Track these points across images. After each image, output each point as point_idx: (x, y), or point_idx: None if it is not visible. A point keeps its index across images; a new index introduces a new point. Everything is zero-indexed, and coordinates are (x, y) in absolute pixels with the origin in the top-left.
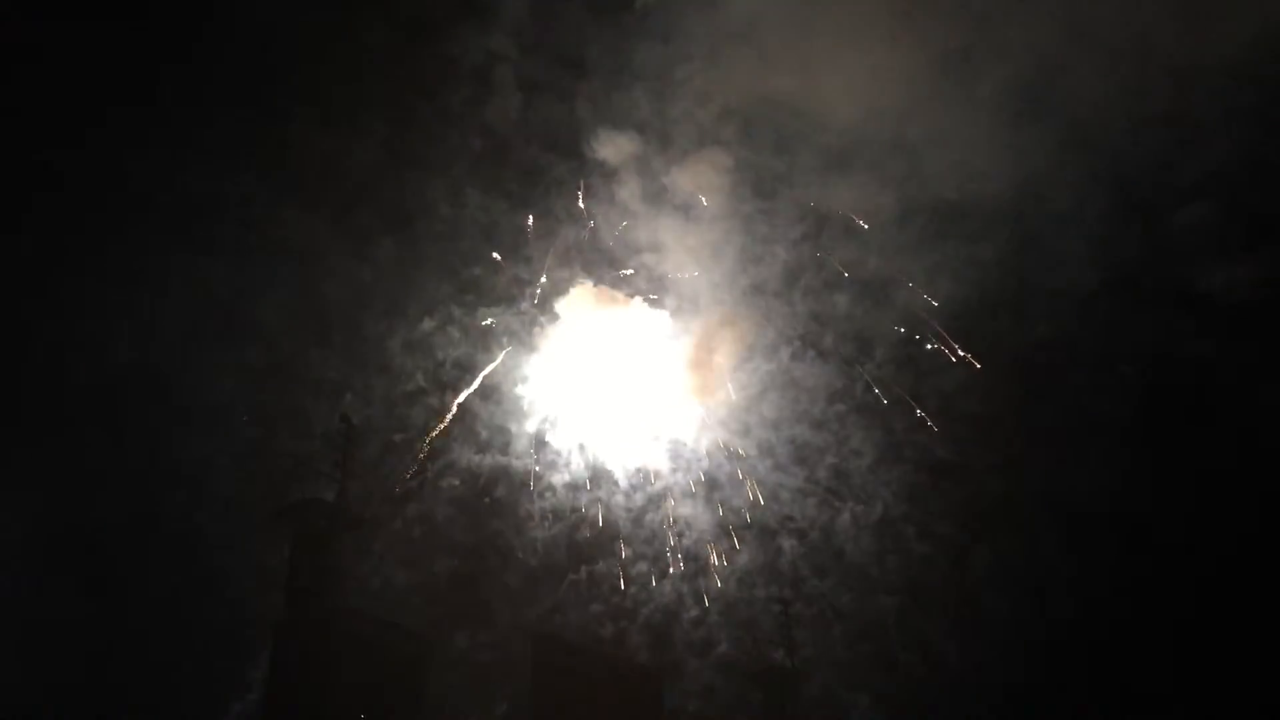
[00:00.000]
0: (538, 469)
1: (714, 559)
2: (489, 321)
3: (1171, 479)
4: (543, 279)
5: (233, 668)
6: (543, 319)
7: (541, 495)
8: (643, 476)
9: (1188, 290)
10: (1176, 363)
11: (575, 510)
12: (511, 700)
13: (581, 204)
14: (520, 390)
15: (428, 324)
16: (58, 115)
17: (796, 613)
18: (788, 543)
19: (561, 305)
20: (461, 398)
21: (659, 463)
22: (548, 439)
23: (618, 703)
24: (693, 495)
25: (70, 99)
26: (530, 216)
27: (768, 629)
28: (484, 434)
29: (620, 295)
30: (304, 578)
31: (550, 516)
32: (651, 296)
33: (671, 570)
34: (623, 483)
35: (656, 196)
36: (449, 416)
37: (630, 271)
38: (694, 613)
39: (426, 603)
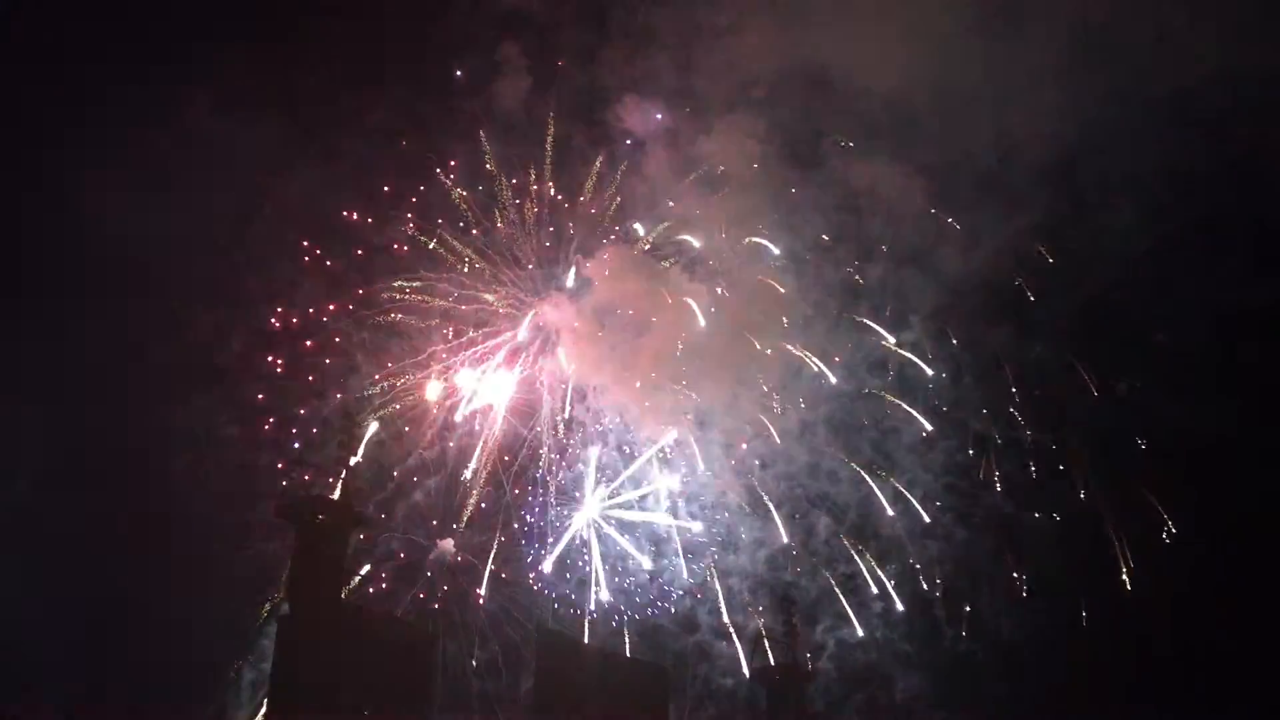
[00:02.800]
0: (562, 442)
1: (744, 537)
2: (510, 291)
3: (1237, 439)
4: (571, 248)
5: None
6: (568, 290)
7: (571, 467)
8: (673, 451)
9: (1249, 244)
10: (1240, 318)
11: (600, 484)
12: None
13: (601, 170)
14: (544, 362)
15: (445, 290)
16: (71, 58)
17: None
18: (823, 520)
19: (587, 275)
20: (481, 369)
21: (688, 437)
22: (573, 412)
23: (623, 700)
24: (725, 471)
25: (86, 42)
26: (552, 184)
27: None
28: (503, 405)
29: (648, 266)
30: (307, 573)
31: (573, 487)
32: (680, 267)
33: (701, 550)
34: (652, 457)
35: (684, 166)
36: (468, 388)
37: (657, 242)
38: (722, 593)
39: (440, 579)
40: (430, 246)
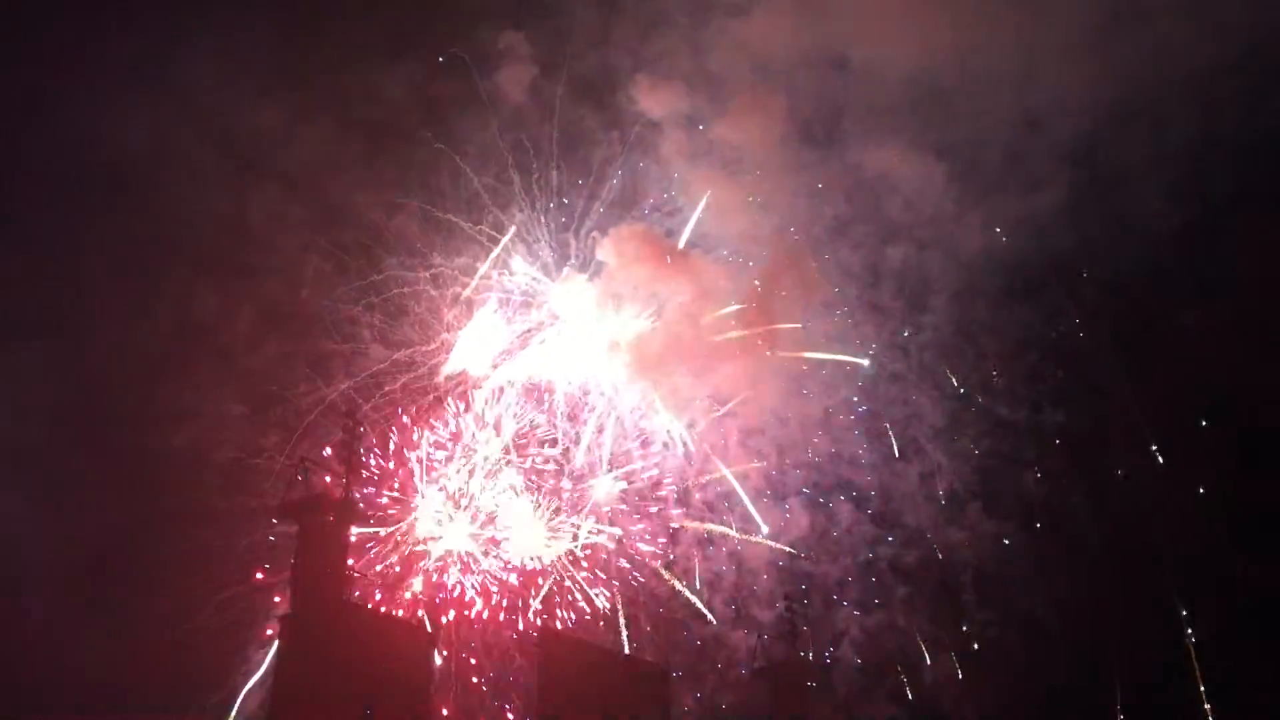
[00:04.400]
0: (576, 427)
1: (762, 529)
2: (522, 273)
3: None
4: (584, 231)
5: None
6: (581, 273)
7: (590, 450)
8: (689, 437)
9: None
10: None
11: (611, 471)
12: (523, 692)
13: (614, 151)
14: (556, 345)
15: (453, 274)
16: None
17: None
18: (844, 509)
19: (601, 259)
20: (493, 352)
21: (704, 422)
22: (587, 396)
23: (625, 700)
24: (741, 458)
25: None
26: (561, 167)
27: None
28: (513, 392)
29: (663, 249)
30: (309, 573)
31: (581, 474)
32: (699, 250)
33: (713, 541)
34: (667, 444)
35: (698, 148)
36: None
37: (672, 225)
38: (738, 584)
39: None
40: (439, 228)
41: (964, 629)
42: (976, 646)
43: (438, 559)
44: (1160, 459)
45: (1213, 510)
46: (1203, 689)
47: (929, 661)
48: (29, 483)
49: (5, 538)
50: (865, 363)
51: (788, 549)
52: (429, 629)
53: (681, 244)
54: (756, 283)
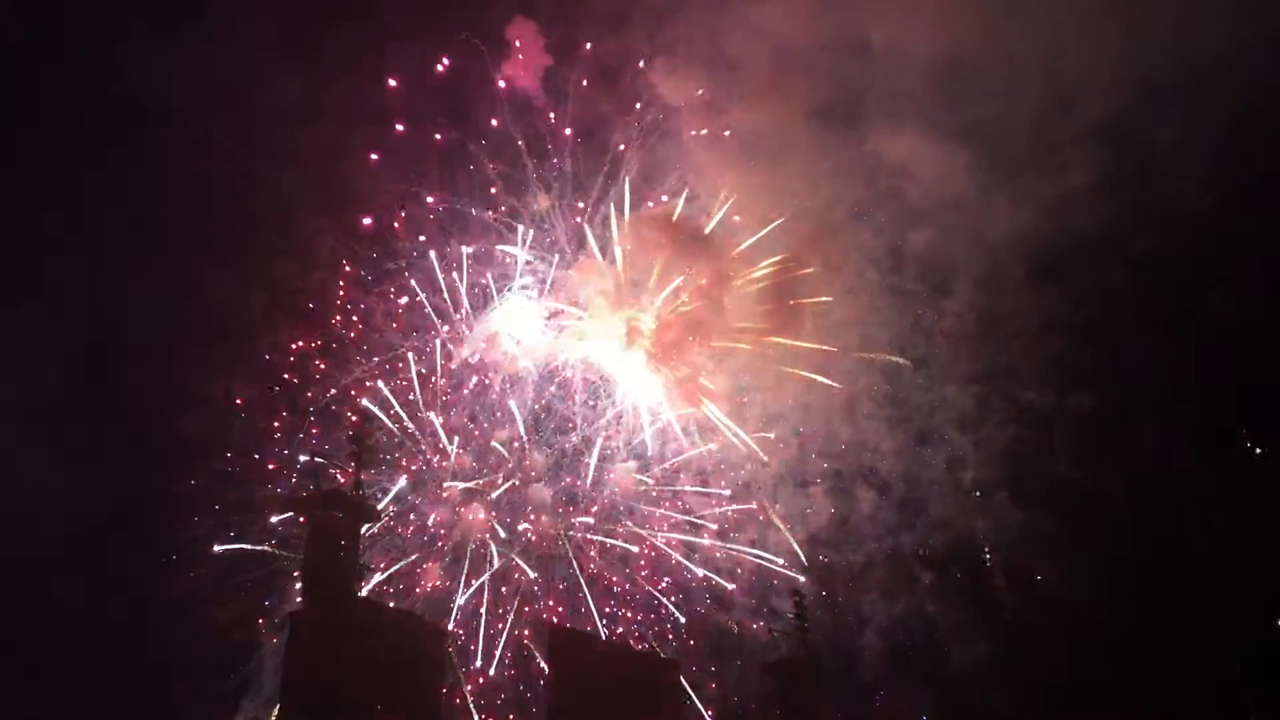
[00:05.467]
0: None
1: (777, 516)
2: (536, 262)
3: None
4: (596, 217)
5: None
6: (598, 260)
7: (611, 438)
8: (707, 427)
9: None
10: None
11: (633, 458)
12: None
13: (631, 136)
14: (571, 333)
15: (468, 261)
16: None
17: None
18: (867, 495)
19: (617, 245)
20: (508, 344)
21: (725, 410)
22: (603, 381)
23: (637, 695)
24: (760, 446)
25: None
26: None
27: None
28: (533, 375)
29: (680, 236)
30: (319, 569)
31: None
32: (718, 235)
33: (731, 529)
34: (686, 433)
35: (717, 133)
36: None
37: (690, 211)
38: (756, 572)
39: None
40: (455, 215)
41: (993, 615)
42: (1006, 632)
43: (453, 551)
44: (1192, 442)
45: (1247, 494)
46: (1242, 674)
47: (957, 648)
48: (37, 461)
49: (14, 515)
50: (907, 363)
51: (799, 549)
52: (443, 624)
53: (704, 230)
54: (777, 268)
